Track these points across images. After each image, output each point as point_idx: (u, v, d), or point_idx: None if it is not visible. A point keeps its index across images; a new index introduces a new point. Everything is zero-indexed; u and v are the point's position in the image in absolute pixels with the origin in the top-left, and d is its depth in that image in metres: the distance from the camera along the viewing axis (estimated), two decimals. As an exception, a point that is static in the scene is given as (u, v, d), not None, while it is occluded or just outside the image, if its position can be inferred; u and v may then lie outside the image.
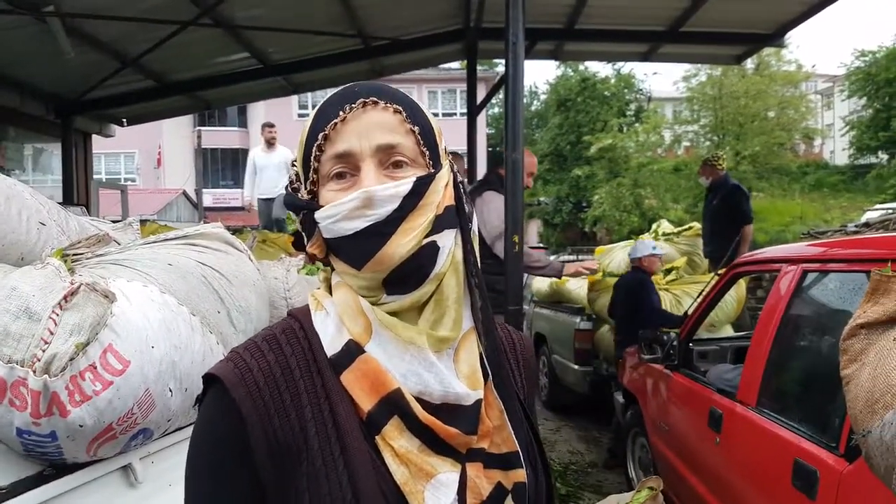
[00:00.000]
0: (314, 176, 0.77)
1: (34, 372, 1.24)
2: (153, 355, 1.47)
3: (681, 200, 24.64)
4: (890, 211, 2.68)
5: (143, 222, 3.03)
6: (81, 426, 1.32)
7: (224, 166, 30.81)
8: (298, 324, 0.80)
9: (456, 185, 0.81)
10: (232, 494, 0.72)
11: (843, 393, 1.48)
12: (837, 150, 36.63)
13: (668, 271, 5.55)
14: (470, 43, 6.21)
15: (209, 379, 0.75)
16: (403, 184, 0.74)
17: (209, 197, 26.94)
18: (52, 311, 1.28)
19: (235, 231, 3.68)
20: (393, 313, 0.75)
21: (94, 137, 7.58)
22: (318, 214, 0.76)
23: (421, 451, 0.72)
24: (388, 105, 0.75)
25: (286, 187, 0.83)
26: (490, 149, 24.16)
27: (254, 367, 0.74)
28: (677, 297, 5.22)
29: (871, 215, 3.38)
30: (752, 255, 3.08)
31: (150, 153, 28.96)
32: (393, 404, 0.73)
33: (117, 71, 5.79)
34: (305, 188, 0.79)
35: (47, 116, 6.31)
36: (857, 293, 2.06)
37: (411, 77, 27.65)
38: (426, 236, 0.74)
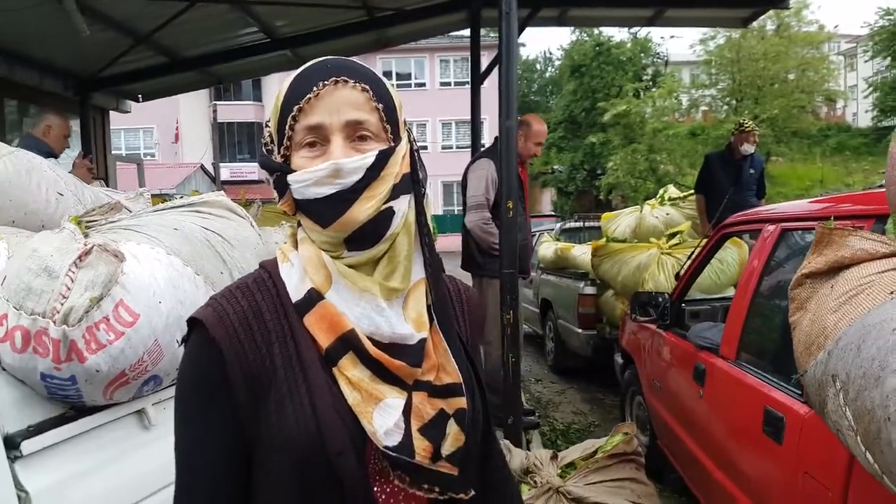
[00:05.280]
0: (288, 142, 0.88)
1: (54, 322, 1.41)
2: (161, 309, 1.63)
3: (697, 166, 24.27)
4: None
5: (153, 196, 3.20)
6: (98, 371, 1.50)
7: (240, 140, 31.06)
8: (268, 273, 0.93)
9: (412, 153, 0.92)
10: (216, 418, 0.86)
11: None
12: (860, 112, 35.76)
13: (671, 235, 5.61)
14: (474, 11, 6.22)
15: (192, 322, 0.88)
16: (367, 157, 0.84)
17: (226, 171, 27.24)
18: (69, 269, 1.44)
19: (247, 204, 3.84)
20: (351, 266, 0.87)
21: (113, 114, 7.76)
22: (290, 178, 0.86)
23: (371, 379, 0.85)
24: (357, 84, 0.85)
25: (261, 147, 0.94)
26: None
27: (230, 310, 0.86)
28: (680, 262, 5.25)
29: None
30: (739, 215, 3.16)
31: (168, 128, 29.24)
32: (348, 342, 0.85)
33: (131, 48, 5.93)
34: (279, 152, 0.90)
35: (66, 94, 6.48)
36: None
37: (423, 46, 27.43)
38: (385, 202, 0.85)
